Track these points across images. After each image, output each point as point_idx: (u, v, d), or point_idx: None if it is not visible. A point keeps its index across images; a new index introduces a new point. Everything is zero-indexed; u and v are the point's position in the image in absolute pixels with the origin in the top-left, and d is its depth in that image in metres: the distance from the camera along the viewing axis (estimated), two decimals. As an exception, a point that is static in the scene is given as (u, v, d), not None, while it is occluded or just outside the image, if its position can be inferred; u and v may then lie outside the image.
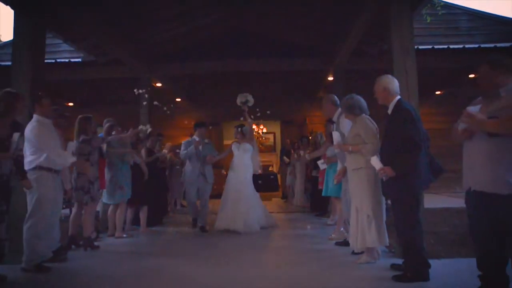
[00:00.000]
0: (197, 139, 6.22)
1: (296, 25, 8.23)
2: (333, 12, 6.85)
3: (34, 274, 3.65)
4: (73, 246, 4.87)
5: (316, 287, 3.22)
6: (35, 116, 4.01)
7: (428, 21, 8.65)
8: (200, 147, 6.19)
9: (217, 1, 7.26)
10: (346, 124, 4.28)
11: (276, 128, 14.99)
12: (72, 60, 8.29)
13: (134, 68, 8.45)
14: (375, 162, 3.41)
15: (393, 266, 3.56)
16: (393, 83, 3.50)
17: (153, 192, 6.23)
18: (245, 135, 6.34)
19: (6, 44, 13.66)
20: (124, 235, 5.61)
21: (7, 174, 3.55)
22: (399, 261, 3.56)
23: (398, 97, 3.48)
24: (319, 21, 7.64)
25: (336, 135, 4.21)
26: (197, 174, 6.18)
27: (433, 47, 8.10)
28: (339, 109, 4.62)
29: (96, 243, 4.97)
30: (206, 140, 6.39)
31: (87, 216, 4.95)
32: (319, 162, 5.90)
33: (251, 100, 6.39)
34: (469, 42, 10.47)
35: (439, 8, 9.04)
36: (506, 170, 2.48)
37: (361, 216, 3.73)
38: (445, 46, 8.05)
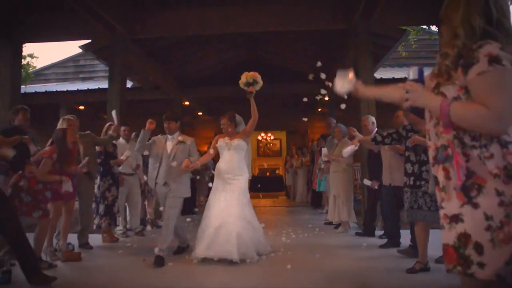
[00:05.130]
0: (169, 137, 4.61)
1: (299, 58, 10.45)
2: (328, 50, 9.06)
3: (135, 236, 5.87)
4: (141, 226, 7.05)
5: (312, 242, 5.32)
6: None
7: (404, 55, 10.76)
8: (169, 149, 4.51)
9: (236, 44, 9.48)
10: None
11: (282, 136, 17.13)
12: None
13: (169, 91, 10.71)
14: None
15: (357, 233, 5.71)
16: (374, 120, 5.59)
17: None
18: (237, 126, 4.66)
19: (48, 67, 16.04)
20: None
21: (117, 173, 5.74)
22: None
23: (376, 129, 5.55)
24: (317, 56, 9.83)
25: (324, 150, 6.42)
26: (161, 184, 4.46)
27: (405, 77, 10.16)
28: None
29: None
30: (180, 138, 4.56)
31: (151, 205, 7.15)
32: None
33: (260, 82, 4.54)
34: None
35: (412, 42, 11.13)
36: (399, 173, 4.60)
37: (337, 201, 5.92)
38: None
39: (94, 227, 5.54)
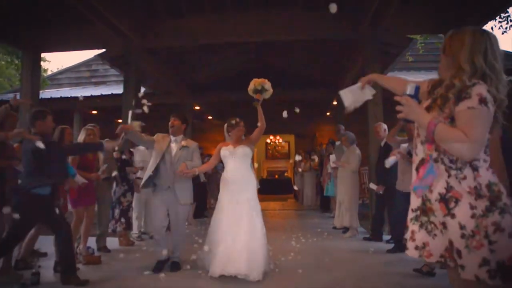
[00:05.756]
0: (172, 138, 4.40)
1: (308, 64, 10.61)
2: (337, 57, 9.21)
3: (150, 240, 6.08)
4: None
5: (321, 246, 5.48)
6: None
7: (410, 60, 10.87)
8: (174, 152, 4.33)
9: (246, 50, 9.68)
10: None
11: (291, 138, 17.26)
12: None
13: (180, 96, 10.95)
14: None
15: (364, 238, 5.86)
16: (386, 127, 5.71)
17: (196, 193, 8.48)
18: (244, 133, 4.39)
19: (61, 72, 16.39)
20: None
21: (132, 179, 5.96)
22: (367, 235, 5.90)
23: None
24: (326, 63, 10.01)
25: (332, 157, 6.58)
26: (164, 188, 4.27)
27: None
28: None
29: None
30: (183, 142, 4.38)
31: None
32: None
33: (269, 90, 4.26)
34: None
35: (420, 47, 11.23)
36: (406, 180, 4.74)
37: (342, 207, 6.08)
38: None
39: (110, 230, 5.76)
